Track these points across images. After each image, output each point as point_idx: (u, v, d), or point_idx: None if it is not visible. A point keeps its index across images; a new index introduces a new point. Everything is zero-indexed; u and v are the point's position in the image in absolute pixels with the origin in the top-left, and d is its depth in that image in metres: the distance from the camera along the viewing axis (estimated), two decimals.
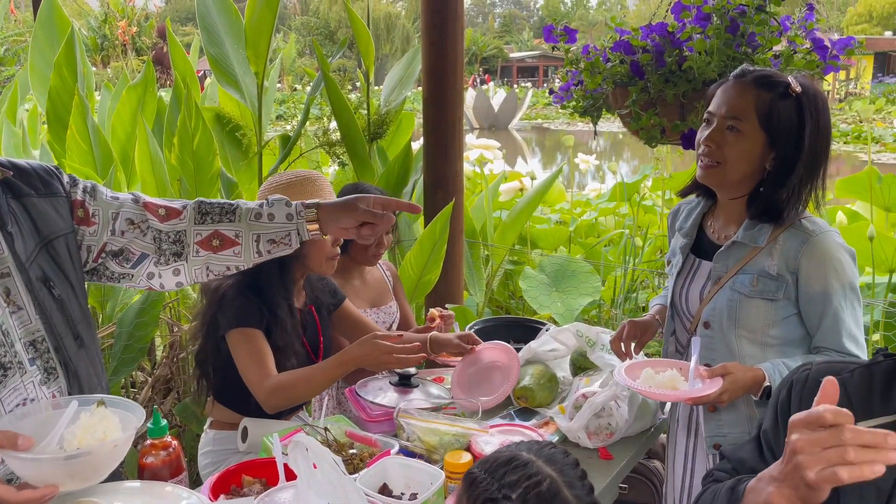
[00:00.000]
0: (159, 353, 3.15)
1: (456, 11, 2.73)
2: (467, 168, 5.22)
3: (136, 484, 1.32)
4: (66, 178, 1.34)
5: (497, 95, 25.15)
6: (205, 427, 2.02)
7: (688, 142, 2.16)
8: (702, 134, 1.62)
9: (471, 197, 4.46)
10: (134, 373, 3.09)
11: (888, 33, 34.18)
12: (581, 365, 2.11)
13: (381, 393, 1.96)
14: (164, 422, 1.43)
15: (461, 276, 3.01)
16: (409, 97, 3.12)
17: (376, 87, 3.19)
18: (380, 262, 2.60)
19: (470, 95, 25.20)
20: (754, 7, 2.07)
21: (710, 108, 1.62)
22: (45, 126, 2.83)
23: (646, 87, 2.22)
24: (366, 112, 2.84)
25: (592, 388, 1.86)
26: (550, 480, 1.01)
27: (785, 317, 1.60)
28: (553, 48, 2.47)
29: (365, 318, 2.20)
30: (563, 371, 2.17)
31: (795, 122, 1.53)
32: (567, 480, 1.03)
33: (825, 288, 1.54)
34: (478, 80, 37.76)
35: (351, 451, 1.60)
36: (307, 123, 2.97)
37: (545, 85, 42.60)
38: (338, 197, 2.34)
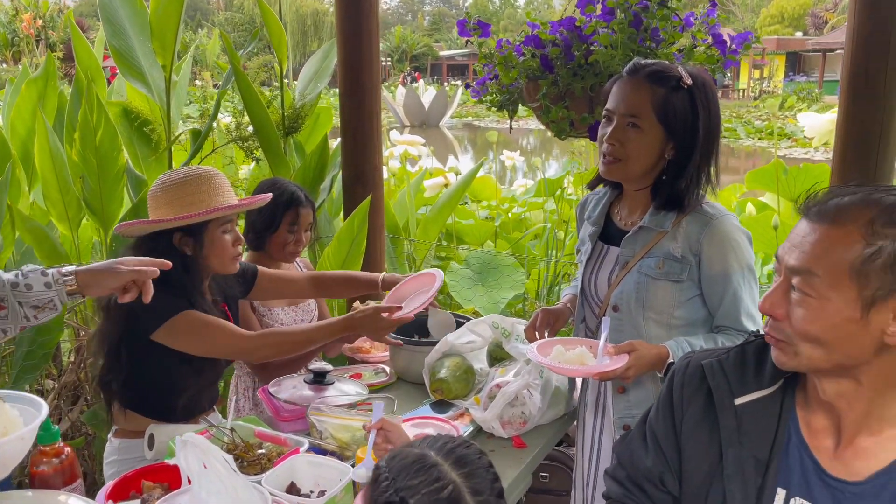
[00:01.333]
0: (66, 360, 3.00)
1: (371, 2, 2.70)
2: (393, 165, 5.20)
3: (28, 493, 1.26)
4: None
5: (427, 93, 25.19)
6: (109, 436, 1.94)
7: (595, 134, 2.20)
8: (603, 131, 1.67)
9: (396, 194, 4.44)
10: (42, 380, 2.94)
11: (798, 34, 35.89)
12: (497, 356, 2.13)
13: (294, 392, 1.92)
14: (55, 427, 1.36)
15: (382, 270, 2.99)
16: (329, 92, 3.07)
17: (296, 82, 3.13)
18: (297, 259, 2.56)
19: (400, 93, 25.13)
20: (657, 3, 2.13)
21: (609, 105, 1.67)
22: None
23: (555, 81, 2.25)
24: (280, 106, 2.78)
25: (506, 378, 1.88)
26: (453, 487, 0.97)
27: (689, 298, 1.66)
28: (467, 42, 2.47)
29: (285, 273, 2.19)
30: (480, 363, 2.18)
31: (689, 112, 1.60)
32: (473, 486, 0.99)
33: (725, 269, 1.61)
34: (408, 78, 37.70)
35: (259, 451, 1.57)
36: (218, 118, 2.89)
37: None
38: (253, 194, 2.31)
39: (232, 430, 1.60)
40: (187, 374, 1.84)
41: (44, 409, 1.14)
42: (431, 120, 24.12)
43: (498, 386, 1.86)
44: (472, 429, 1.84)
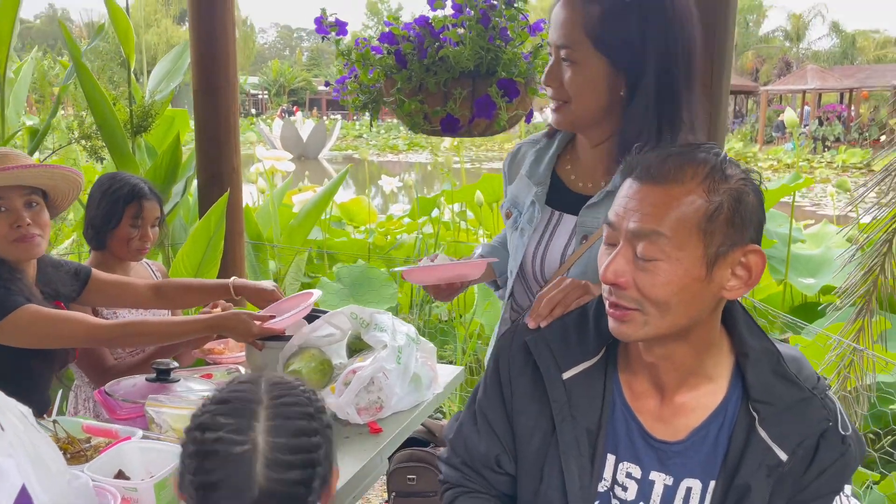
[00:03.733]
0: None
1: (226, 1, 2.65)
2: (261, 183, 5.08)
3: None
4: None
5: (306, 126, 24.98)
6: None
7: (448, 128, 2.25)
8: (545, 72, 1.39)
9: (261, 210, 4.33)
10: None
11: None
12: (357, 347, 2.09)
13: (133, 389, 1.80)
14: None
15: (243, 277, 2.88)
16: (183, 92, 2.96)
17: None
18: (148, 262, 2.42)
19: (277, 125, 24.77)
20: (504, 2, 2.22)
21: (550, 38, 1.37)
22: None
23: (410, 77, 2.28)
24: (128, 104, 2.64)
25: (362, 364, 1.85)
26: (251, 447, 0.87)
27: None
28: (323, 39, 2.47)
29: (125, 279, 2.05)
30: (340, 357, 2.13)
31: (638, 35, 1.27)
32: (272, 459, 0.88)
33: None
34: (286, 113, 37.20)
35: (85, 444, 1.44)
36: (58, 115, 2.71)
37: (356, 117, 43.07)
38: (91, 188, 2.16)
39: (55, 422, 1.46)
40: (20, 373, 1.71)
41: None
42: (310, 152, 23.89)
43: (353, 371, 1.82)
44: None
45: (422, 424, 2.28)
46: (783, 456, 1.02)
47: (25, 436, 0.86)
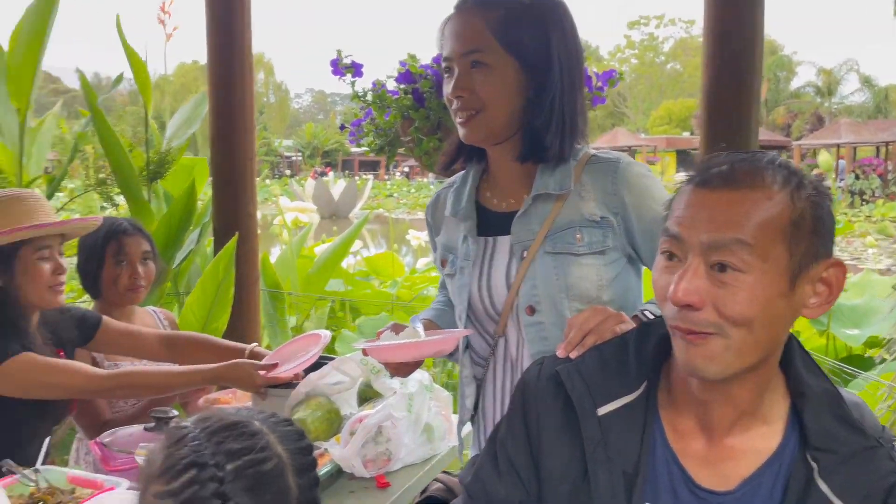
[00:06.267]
0: None
1: (243, 47, 2.65)
2: (284, 234, 5.06)
3: None
4: None
5: (337, 185, 25.37)
6: None
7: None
8: (446, 88, 1.33)
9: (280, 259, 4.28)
10: None
11: (686, 133, 38.76)
12: (367, 396, 1.97)
13: (131, 440, 1.70)
14: None
15: (257, 328, 2.80)
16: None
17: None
18: (155, 309, 2.35)
19: (310, 185, 25.21)
20: None
21: (444, 52, 1.32)
22: None
23: (428, 115, 2.24)
24: (145, 150, 2.64)
25: (370, 412, 1.72)
26: (278, 461, 0.88)
27: (616, 273, 1.33)
28: (340, 80, 2.44)
29: (135, 328, 1.98)
30: (350, 407, 2.01)
31: (542, 34, 1.29)
32: (296, 466, 0.91)
33: (655, 217, 1.26)
34: (319, 174, 37.94)
35: (69, 496, 1.34)
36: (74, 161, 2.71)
37: (387, 177, 43.75)
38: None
39: (36, 471, 1.37)
40: (14, 425, 1.65)
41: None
42: (341, 211, 24.17)
43: (359, 420, 1.70)
44: (330, 468, 1.66)
45: (439, 481, 2.13)
46: None
47: None
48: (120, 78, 2.85)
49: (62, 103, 3.11)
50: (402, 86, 2.34)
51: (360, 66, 2.44)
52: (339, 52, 2.40)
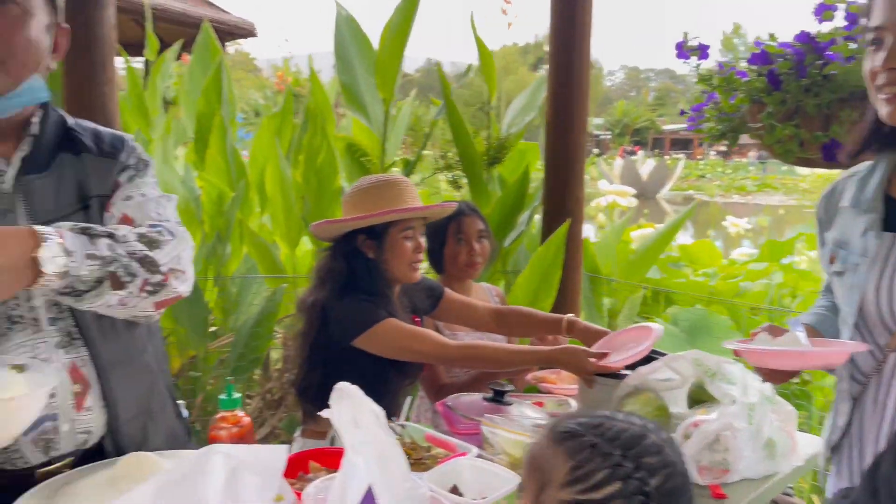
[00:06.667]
0: (273, 367, 3.21)
1: (582, 36, 2.67)
2: (600, 217, 5.05)
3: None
4: (128, 150, 1.27)
5: (646, 165, 24.64)
6: (295, 434, 2.00)
7: (829, 154, 1.93)
8: (873, 61, 1.16)
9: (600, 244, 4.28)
10: (252, 385, 3.17)
11: None
12: (699, 398, 1.87)
13: (472, 407, 1.85)
14: (237, 395, 1.41)
15: (578, 311, 2.85)
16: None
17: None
18: (488, 286, 2.51)
19: (617, 164, 24.85)
20: None
21: (878, 19, 1.14)
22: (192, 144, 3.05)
23: (784, 100, 2.02)
24: (486, 137, 2.81)
25: (707, 418, 1.64)
26: (685, 474, 0.89)
27: None
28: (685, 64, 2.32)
29: (471, 301, 2.16)
30: (677, 406, 1.93)
31: None
32: (690, 475, 0.91)
33: None
34: (627, 153, 37.24)
35: (427, 453, 1.50)
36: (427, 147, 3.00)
37: (700, 157, 41.24)
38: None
39: (402, 426, 1.55)
40: (378, 380, 1.86)
41: (53, 378, 1.05)
42: (649, 191, 23.43)
43: (695, 424, 1.62)
44: None
45: (776, 502, 1.96)
46: None
47: (376, 435, 0.89)
48: (469, 69, 3.08)
49: (415, 94, 3.45)
50: (754, 67, 2.14)
51: (707, 47, 2.29)
52: (685, 33, 2.28)
